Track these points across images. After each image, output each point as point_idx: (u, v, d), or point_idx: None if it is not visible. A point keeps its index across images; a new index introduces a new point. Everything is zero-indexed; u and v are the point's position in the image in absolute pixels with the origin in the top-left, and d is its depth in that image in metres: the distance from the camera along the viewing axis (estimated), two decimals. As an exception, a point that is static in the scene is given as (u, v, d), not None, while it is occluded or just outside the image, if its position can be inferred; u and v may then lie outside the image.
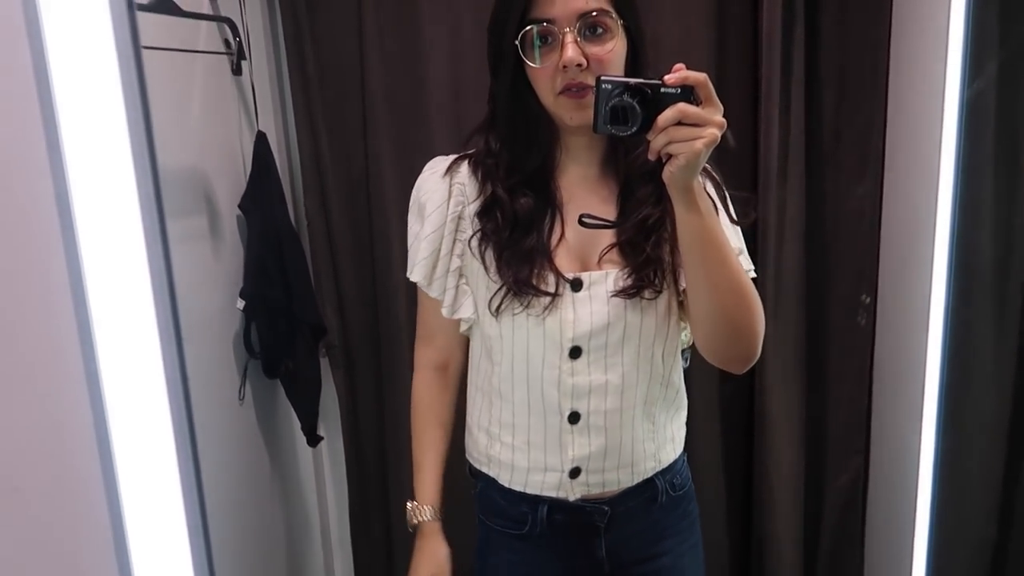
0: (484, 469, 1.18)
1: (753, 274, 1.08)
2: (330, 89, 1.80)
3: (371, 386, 1.94)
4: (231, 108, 1.64)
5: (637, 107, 0.88)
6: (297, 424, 1.82)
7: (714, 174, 1.10)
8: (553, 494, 1.13)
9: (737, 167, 1.72)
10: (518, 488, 1.14)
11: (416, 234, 1.14)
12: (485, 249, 1.09)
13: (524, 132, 1.07)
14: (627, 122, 0.89)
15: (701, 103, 0.87)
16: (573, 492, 1.12)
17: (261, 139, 1.64)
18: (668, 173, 0.89)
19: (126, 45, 0.66)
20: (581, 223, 1.01)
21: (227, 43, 1.50)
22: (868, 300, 1.78)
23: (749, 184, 1.74)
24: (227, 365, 1.63)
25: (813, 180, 1.76)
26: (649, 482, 1.15)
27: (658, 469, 1.15)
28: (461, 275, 1.13)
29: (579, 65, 0.97)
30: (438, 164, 1.15)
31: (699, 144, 0.86)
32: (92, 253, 0.69)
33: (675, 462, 1.18)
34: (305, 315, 1.71)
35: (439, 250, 1.12)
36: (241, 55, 1.52)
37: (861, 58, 1.70)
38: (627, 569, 1.17)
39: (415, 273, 1.14)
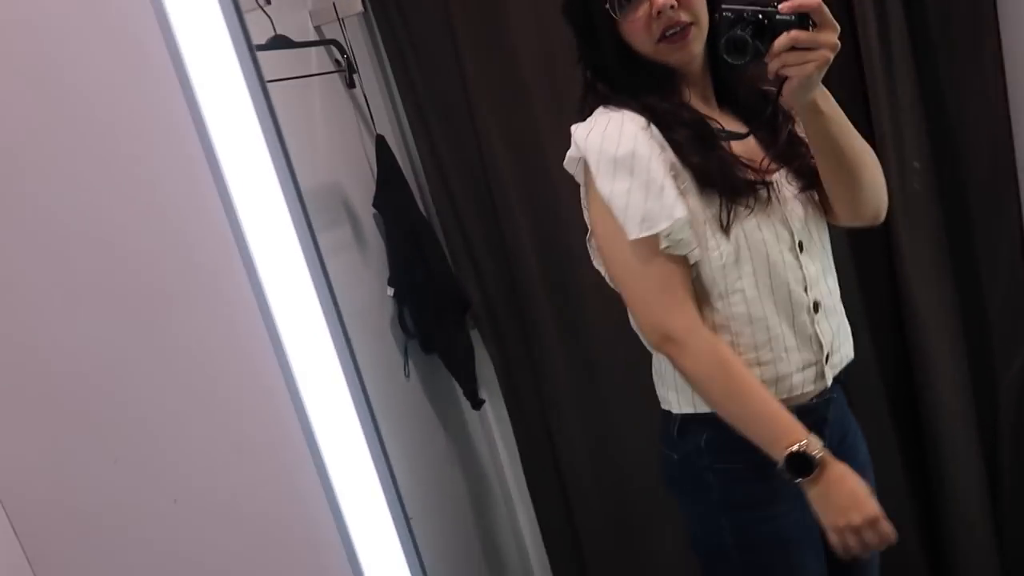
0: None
1: None
2: (433, 87, 1.92)
3: (520, 348, 2.07)
4: (350, 119, 1.81)
5: (749, 40, 0.97)
6: (461, 391, 1.99)
7: None
8: (812, 388, 1.18)
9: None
10: (783, 396, 1.14)
11: (642, 183, 1.07)
12: (695, 179, 1.11)
13: (646, 84, 1.14)
14: (743, 53, 0.99)
15: (816, 27, 0.95)
16: (826, 380, 1.20)
17: (381, 142, 1.80)
18: (787, 92, 1.00)
19: (255, 86, 0.80)
20: (729, 136, 1.13)
21: (337, 63, 1.66)
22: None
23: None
24: (390, 347, 1.82)
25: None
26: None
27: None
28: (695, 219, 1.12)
29: (672, 6, 1.05)
30: (617, 122, 1.11)
31: (810, 67, 0.96)
32: (269, 276, 0.84)
33: None
34: (448, 292, 1.87)
35: (666, 190, 1.08)
36: (352, 69, 1.67)
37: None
38: (840, 453, 1.12)
39: (677, 210, 1.07)
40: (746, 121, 1.18)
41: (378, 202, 1.82)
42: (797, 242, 1.15)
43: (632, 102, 1.13)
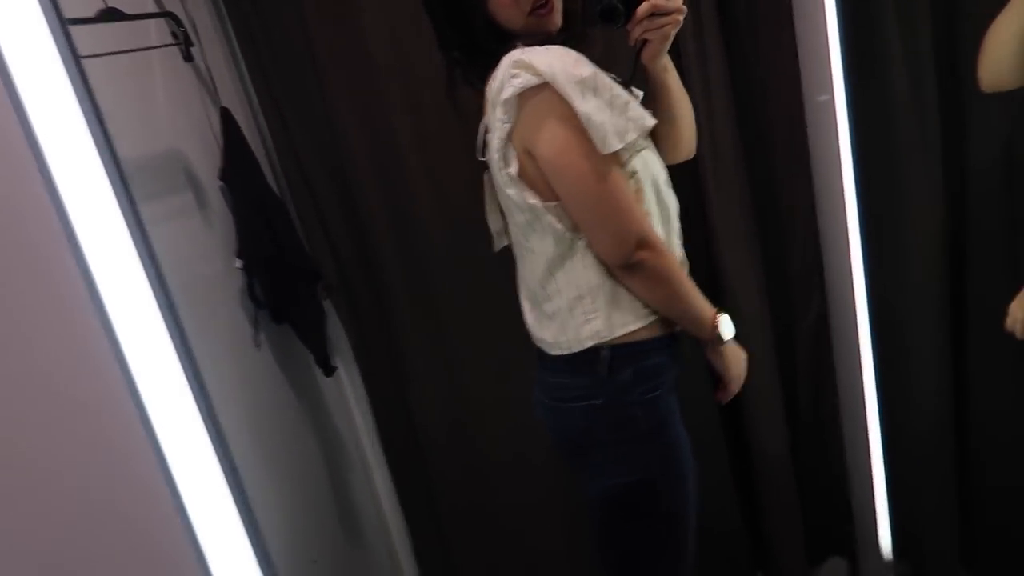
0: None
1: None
2: (281, 58, 1.94)
3: (373, 314, 2.15)
4: (193, 93, 1.81)
5: (621, 7, 1.16)
6: (314, 360, 2.05)
7: None
8: None
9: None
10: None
11: (606, 101, 1.17)
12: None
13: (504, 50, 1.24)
14: (616, 19, 1.18)
15: None
16: None
17: (226, 115, 1.82)
18: (649, 54, 1.22)
19: (68, 58, 0.83)
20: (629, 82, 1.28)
21: (174, 35, 1.66)
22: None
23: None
24: (239, 318, 1.85)
25: (735, 58, 1.88)
26: None
27: None
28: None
29: None
30: (567, 52, 1.20)
31: (668, 29, 1.18)
32: (93, 247, 0.87)
33: None
34: (297, 262, 1.91)
35: (619, 98, 1.21)
36: (188, 42, 1.68)
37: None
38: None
39: (648, 119, 1.22)
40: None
41: (225, 174, 1.83)
42: (667, 176, 1.36)
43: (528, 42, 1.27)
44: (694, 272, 1.38)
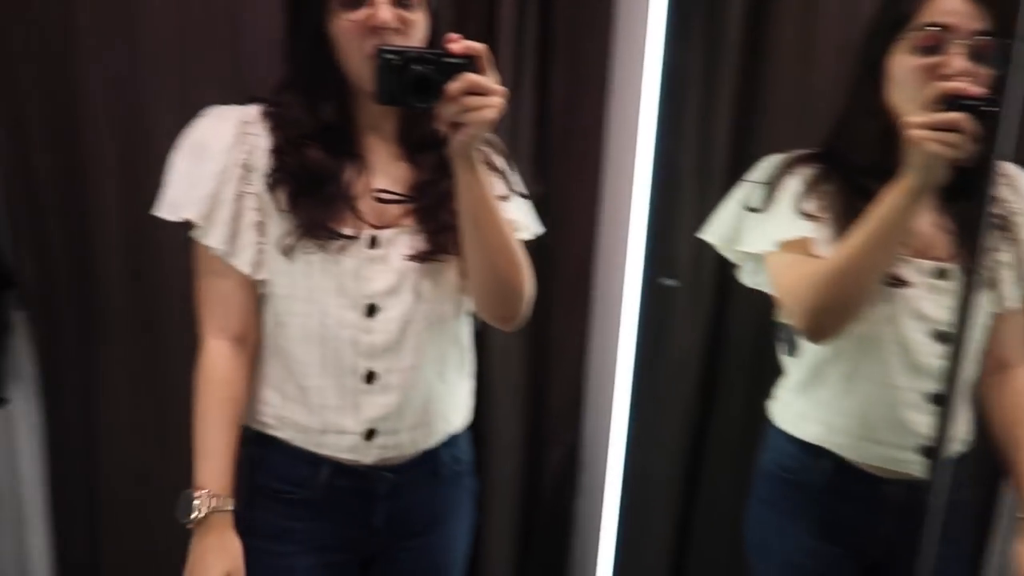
0: (274, 432, 1.13)
1: (540, 229, 1.23)
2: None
3: (74, 342, 1.78)
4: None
5: (437, 77, 0.88)
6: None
7: (501, 144, 1.16)
8: (347, 456, 1.10)
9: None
10: (311, 448, 1.10)
11: (187, 172, 1.06)
12: (276, 188, 1.05)
13: (321, 93, 1.05)
14: (428, 92, 0.89)
15: (482, 73, 0.90)
16: (368, 455, 1.10)
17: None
18: (458, 142, 0.92)
19: None
20: (378, 199, 1.05)
21: None
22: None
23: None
24: None
25: (540, 167, 1.84)
26: (433, 452, 1.17)
27: (449, 432, 1.18)
28: (261, 232, 1.07)
29: (396, 29, 0.97)
30: (224, 111, 1.11)
31: (490, 112, 0.90)
32: None
33: (461, 435, 1.21)
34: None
35: (219, 194, 1.05)
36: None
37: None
38: (401, 542, 1.18)
39: (189, 209, 1.04)
40: (415, 170, 1.12)
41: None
42: (367, 305, 1.07)
43: (287, 95, 1.07)
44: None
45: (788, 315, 1.18)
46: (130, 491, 1.86)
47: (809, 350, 1.24)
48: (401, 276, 1.07)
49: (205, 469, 1.07)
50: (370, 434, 1.10)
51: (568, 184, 1.86)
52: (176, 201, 1.06)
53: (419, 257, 1.08)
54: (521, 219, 1.17)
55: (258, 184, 1.06)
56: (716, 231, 1.31)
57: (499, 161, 1.16)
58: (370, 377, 1.08)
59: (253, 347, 1.13)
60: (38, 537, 1.93)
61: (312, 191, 1.05)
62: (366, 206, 1.07)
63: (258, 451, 1.14)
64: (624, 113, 1.76)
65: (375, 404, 1.09)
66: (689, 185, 1.73)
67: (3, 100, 1.61)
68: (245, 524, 1.11)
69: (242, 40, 1.64)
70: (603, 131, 1.81)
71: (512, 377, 1.91)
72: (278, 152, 1.06)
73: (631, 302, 1.73)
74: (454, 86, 0.88)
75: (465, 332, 1.20)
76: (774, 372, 1.38)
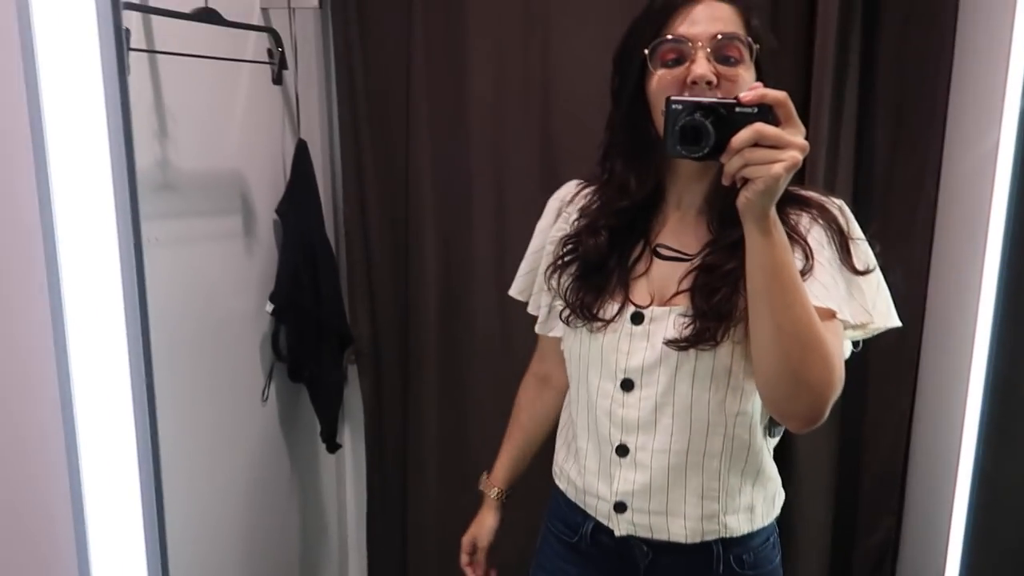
0: (556, 480, 1.22)
1: (896, 322, 1.02)
2: (375, 102, 1.83)
3: (397, 396, 1.95)
4: (274, 116, 1.68)
5: (709, 126, 0.83)
6: (320, 431, 1.84)
7: (840, 217, 1.02)
8: (603, 521, 1.12)
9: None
10: (579, 503, 1.16)
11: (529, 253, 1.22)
12: (556, 275, 1.11)
13: (637, 158, 1.04)
14: (699, 142, 0.84)
15: (780, 124, 0.82)
16: (619, 527, 1.09)
17: (302, 147, 1.68)
18: (744, 199, 0.83)
19: (110, 48, 0.68)
20: (655, 253, 1.05)
21: (270, 53, 1.54)
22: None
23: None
24: (252, 365, 1.67)
25: (861, 220, 1.68)
26: (706, 546, 1.08)
27: (722, 535, 1.08)
28: (556, 296, 1.13)
29: (709, 83, 0.94)
30: (564, 188, 1.20)
31: (778, 167, 0.79)
32: (70, 253, 0.71)
33: (750, 536, 1.10)
34: (332, 323, 1.73)
35: (536, 269, 1.19)
36: (283, 65, 1.56)
37: (919, 98, 1.62)
38: None
39: (512, 288, 1.23)
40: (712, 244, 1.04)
41: (282, 208, 1.68)
42: (623, 380, 1.05)
43: (604, 182, 1.11)
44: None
45: None
46: (432, 534, 1.97)
47: None
48: (661, 355, 1.02)
49: (496, 465, 1.33)
50: (620, 506, 1.08)
51: (893, 245, 1.68)
52: (517, 285, 1.23)
53: (678, 343, 1.00)
54: (864, 305, 1.00)
55: None
56: None
57: (832, 235, 1.00)
58: (622, 451, 1.07)
59: (557, 387, 1.27)
60: (356, 565, 2.11)
61: (585, 278, 1.07)
62: (642, 284, 1.05)
63: (552, 493, 1.23)
64: (963, 165, 1.56)
65: (625, 479, 1.07)
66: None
67: (352, 182, 1.83)
68: (536, 557, 1.26)
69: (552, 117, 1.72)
70: (936, 184, 1.62)
71: (820, 453, 1.75)
72: (567, 240, 1.11)
73: (974, 376, 1.49)
74: (738, 137, 0.80)
75: (751, 428, 1.06)
76: None
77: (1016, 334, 1.50)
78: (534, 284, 1.20)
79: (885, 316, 1.01)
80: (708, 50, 0.94)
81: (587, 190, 1.15)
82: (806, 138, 0.82)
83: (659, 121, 0.96)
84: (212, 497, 1.55)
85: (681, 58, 0.96)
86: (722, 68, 0.95)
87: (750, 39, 0.97)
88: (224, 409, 1.58)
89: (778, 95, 0.82)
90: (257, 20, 1.59)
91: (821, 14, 1.57)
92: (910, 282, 1.67)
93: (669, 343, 1.01)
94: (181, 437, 1.43)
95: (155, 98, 1.29)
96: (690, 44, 0.95)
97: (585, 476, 1.13)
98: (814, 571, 1.78)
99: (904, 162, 1.65)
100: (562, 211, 1.16)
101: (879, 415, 1.76)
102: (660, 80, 0.97)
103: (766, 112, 0.81)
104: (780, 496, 1.14)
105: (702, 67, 0.93)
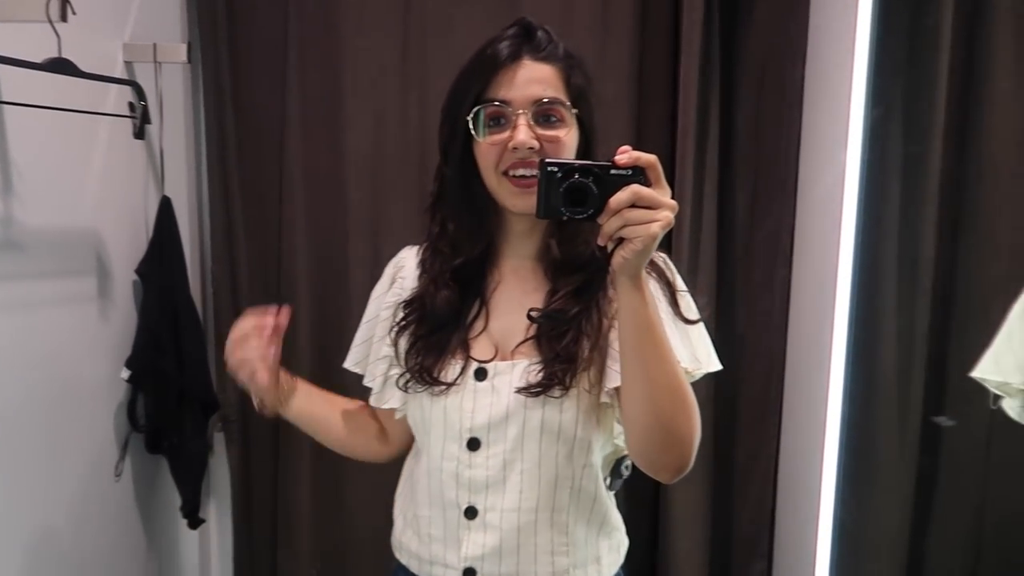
0: (397, 555, 1.14)
1: (717, 366, 1.04)
2: (248, 159, 1.78)
3: (267, 466, 1.85)
4: (136, 172, 1.60)
5: (594, 187, 0.84)
6: (180, 506, 1.71)
7: (668, 270, 1.06)
8: None
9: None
10: (426, 570, 1.09)
11: (372, 347, 1.15)
12: (398, 338, 1.08)
13: (468, 214, 1.05)
14: (584, 203, 0.84)
15: (651, 185, 0.84)
16: None
17: (166, 204, 1.60)
18: (620, 259, 0.84)
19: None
20: (529, 318, 1.00)
21: (131, 106, 1.47)
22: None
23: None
24: (105, 437, 1.54)
25: (723, 279, 1.78)
26: None
27: None
28: (392, 364, 1.09)
29: (531, 148, 0.96)
30: (401, 253, 1.17)
31: (655, 227, 0.81)
32: None
33: None
34: (197, 389, 1.63)
35: (371, 339, 1.13)
36: (145, 119, 1.49)
37: (773, 159, 1.74)
38: None
39: (347, 359, 1.15)
40: (551, 296, 1.05)
41: (143, 268, 1.59)
42: (469, 439, 1.03)
43: (436, 237, 1.08)
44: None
45: None
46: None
47: None
48: (508, 410, 1.01)
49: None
50: (469, 572, 1.05)
51: (753, 296, 1.78)
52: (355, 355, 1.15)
53: (527, 390, 1.00)
54: (694, 353, 1.02)
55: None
56: (999, 362, 1.15)
57: (663, 288, 1.04)
58: (471, 513, 1.04)
59: (388, 445, 1.19)
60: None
61: (427, 337, 1.05)
62: (483, 341, 1.05)
63: (394, 569, 1.15)
64: (814, 223, 1.68)
65: (475, 542, 1.04)
66: (892, 289, 1.60)
67: (221, 240, 1.76)
68: None
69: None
70: (791, 237, 1.73)
71: (696, 503, 1.80)
72: (408, 302, 1.09)
73: (830, 420, 1.59)
74: (616, 198, 0.82)
75: (595, 479, 1.07)
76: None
77: (863, 379, 1.61)
78: (369, 354, 1.13)
79: (708, 362, 1.04)
80: (529, 115, 0.96)
81: (415, 252, 1.13)
82: (672, 198, 0.86)
83: (489, 180, 1.00)
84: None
85: (503, 119, 0.98)
86: (543, 131, 0.97)
87: (570, 102, 0.99)
88: (70, 486, 1.44)
89: (650, 158, 0.84)
90: (120, 72, 1.52)
91: (683, 85, 1.68)
92: (771, 334, 1.77)
93: (520, 391, 1.00)
94: (17, 519, 1.30)
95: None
96: (510, 108, 0.97)
97: (431, 545, 1.07)
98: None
99: (762, 220, 1.77)
100: (396, 277, 1.13)
101: (748, 464, 1.83)
102: (483, 147, 0.99)
103: (639, 174, 0.83)
104: (624, 544, 1.14)
105: (523, 134, 0.96)
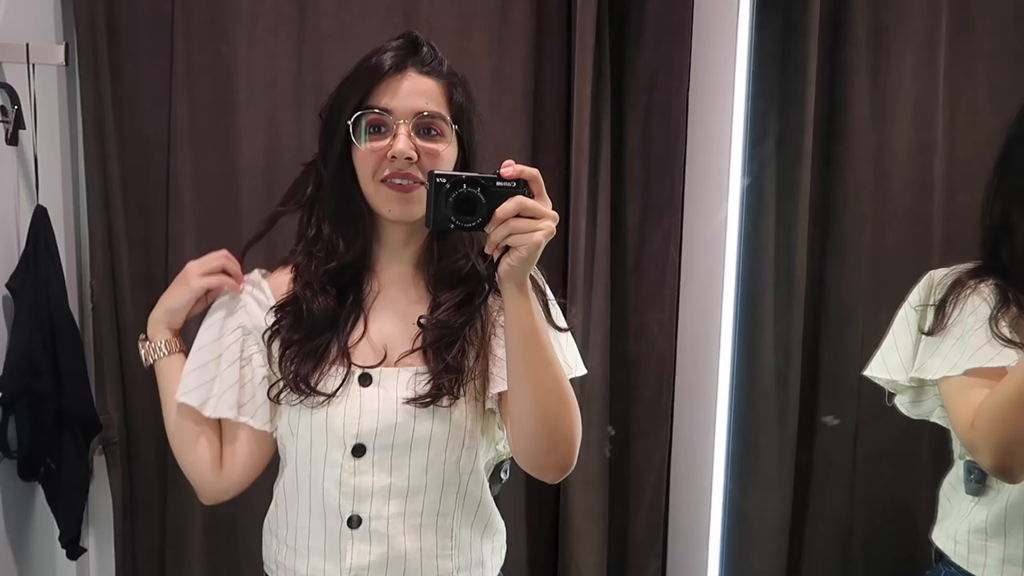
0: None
1: (583, 370, 1.10)
2: (131, 166, 1.70)
3: (154, 489, 1.76)
4: (7, 179, 1.49)
5: (482, 197, 0.88)
6: (59, 535, 1.60)
7: (538, 280, 1.10)
8: None
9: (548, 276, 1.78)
10: None
11: (193, 358, 1.08)
12: (271, 343, 1.05)
13: (344, 219, 1.05)
14: (472, 213, 0.88)
15: (534, 197, 0.89)
16: None
17: (40, 214, 1.50)
18: (507, 267, 0.89)
19: None
20: (419, 324, 1.01)
21: (3, 110, 1.38)
22: (612, 432, 1.87)
23: (558, 291, 1.79)
24: (-27, 465, 1.42)
25: (616, 288, 1.85)
26: None
27: None
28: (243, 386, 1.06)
29: (408, 158, 0.97)
30: (250, 276, 1.12)
31: (539, 235, 0.87)
32: None
33: None
34: (76, 410, 1.53)
35: (218, 359, 1.06)
36: (19, 124, 1.39)
37: (662, 176, 1.83)
38: None
39: (180, 390, 1.05)
40: (434, 306, 1.07)
41: (14, 282, 1.48)
42: (354, 445, 1.02)
43: (308, 241, 1.07)
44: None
45: (973, 450, 1.07)
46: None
47: (1003, 491, 1.12)
48: (397, 417, 1.02)
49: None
50: None
51: (645, 306, 1.87)
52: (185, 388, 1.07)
53: (417, 400, 1.01)
54: (564, 358, 1.06)
55: (262, 344, 1.07)
56: (887, 361, 1.23)
57: (537, 296, 1.04)
58: (354, 522, 1.03)
59: (224, 474, 1.10)
60: None
61: (303, 344, 1.04)
62: (364, 347, 1.05)
63: None
64: (700, 234, 1.78)
65: (360, 551, 1.03)
66: (771, 300, 1.72)
67: (101, 253, 1.67)
68: None
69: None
70: (679, 251, 1.83)
71: (594, 506, 1.85)
72: (280, 307, 1.07)
73: (719, 422, 1.68)
74: (502, 208, 0.87)
75: (480, 483, 1.10)
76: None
77: (747, 381, 1.72)
78: (214, 381, 1.06)
79: (576, 367, 1.11)
80: (410, 126, 0.99)
81: (279, 270, 1.12)
82: (562, 211, 0.91)
83: (366, 188, 1.02)
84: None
85: (384, 127, 1.00)
86: (423, 143, 1.00)
87: (450, 118, 1.02)
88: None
89: (533, 171, 0.89)
90: (-13, 71, 1.42)
91: (577, 103, 1.74)
92: (661, 340, 1.86)
93: (409, 402, 1.01)
94: None
95: None
96: (392, 117, 0.99)
97: (309, 558, 1.05)
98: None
99: (652, 232, 1.85)
100: (249, 294, 1.09)
101: (643, 466, 1.90)
102: (362, 154, 1.01)
103: (523, 186, 0.89)
104: (504, 547, 1.17)
105: (402, 143, 0.98)
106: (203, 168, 1.71)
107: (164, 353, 1.09)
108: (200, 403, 1.05)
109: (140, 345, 1.11)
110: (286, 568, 1.07)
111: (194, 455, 1.09)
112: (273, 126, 1.72)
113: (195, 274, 1.08)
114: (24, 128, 1.43)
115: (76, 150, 1.69)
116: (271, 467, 1.12)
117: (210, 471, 1.08)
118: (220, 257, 1.10)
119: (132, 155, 1.70)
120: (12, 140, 1.40)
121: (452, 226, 0.90)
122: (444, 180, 0.89)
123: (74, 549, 1.59)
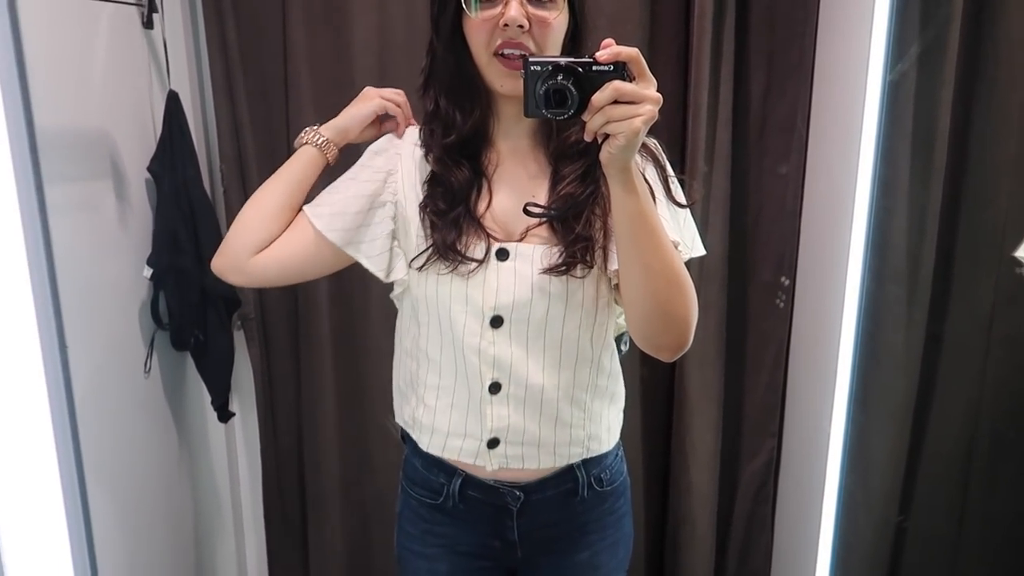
0: (409, 431, 1.17)
1: (702, 251, 1.08)
2: (250, 49, 1.72)
3: (288, 360, 1.88)
4: (141, 64, 1.54)
5: (572, 88, 0.85)
6: (208, 398, 1.75)
7: (659, 155, 1.08)
8: (471, 461, 1.11)
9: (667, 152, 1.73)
10: (436, 452, 1.12)
11: (338, 186, 1.11)
12: (424, 216, 1.07)
13: (459, 92, 1.04)
14: (564, 105, 0.85)
15: (634, 79, 0.84)
16: (491, 462, 1.10)
17: (173, 98, 1.55)
18: (607, 154, 0.86)
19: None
20: (526, 211, 1.00)
21: (136, -6, 1.41)
22: (788, 282, 1.81)
23: (677, 167, 1.74)
24: (132, 336, 1.55)
25: (738, 164, 1.78)
26: (569, 472, 1.13)
27: (585, 456, 1.13)
28: (394, 238, 1.09)
29: (520, 26, 0.95)
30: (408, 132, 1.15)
31: (638, 122, 0.82)
32: None
33: (606, 455, 1.16)
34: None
35: (365, 211, 1.08)
36: (152, 7, 1.42)
37: (789, 44, 1.72)
38: (540, 558, 1.17)
39: (320, 218, 1.08)
40: (554, 181, 1.07)
41: (154, 166, 1.56)
42: (492, 317, 1.05)
43: (429, 116, 1.07)
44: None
45: None
46: (335, 500, 1.94)
47: None
48: (529, 290, 1.04)
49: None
50: (493, 443, 1.09)
51: (767, 182, 1.79)
52: (320, 204, 1.10)
53: (552, 270, 1.03)
54: (683, 237, 1.06)
55: (400, 196, 1.08)
56: None
57: (657, 172, 1.07)
58: (495, 388, 1.07)
59: (262, 259, 1.10)
60: (255, 542, 2.04)
61: (447, 215, 1.05)
62: (496, 220, 1.06)
63: (405, 457, 1.20)
64: (830, 109, 1.67)
65: (499, 415, 1.08)
66: (907, 181, 1.62)
67: (228, 139, 1.72)
68: (398, 521, 1.21)
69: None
70: (807, 124, 1.73)
71: (709, 387, 1.86)
72: (431, 180, 1.07)
73: (847, 305, 1.62)
74: (599, 96, 0.83)
75: (610, 356, 1.14)
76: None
77: (881, 261, 1.64)
78: (359, 228, 1.08)
79: (693, 247, 1.08)
80: None
81: (413, 131, 1.13)
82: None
83: (479, 57, 1.00)
84: (94, 478, 1.44)
85: None
86: (535, 11, 0.96)
87: None
88: (102, 385, 1.46)
89: (631, 52, 0.84)
90: (115, -44, 1.44)
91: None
92: (784, 219, 1.79)
93: (546, 272, 1.03)
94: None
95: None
96: None
97: (451, 415, 1.10)
98: (706, 493, 1.90)
99: (776, 104, 1.75)
100: (392, 153, 1.11)
101: (759, 346, 1.89)
102: (474, 24, 0.98)
103: (621, 69, 0.84)
104: (622, 414, 1.21)
105: (514, 10, 0.95)
106: (317, 47, 1.71)
107: (316, 144, 1.12)
108: (343, 241, 1.07)
109: (303, 132, 1.15)
110: (423, 425, 1.13)
111: (251, 228, 1.11)
112: (384, 4, 1.70)
113: (376, 94, 1.13)
114: (157, 11, 1.46)
115: (198, 34, 1.72)
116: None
117: (248, 251, 1.09)
118: (399, 92, 1.14)
119: (250, 39, 1.71)
120: (148, 23, 1.43)
121: (548, 117, 0.87)
122: (538, 68, 0.86)
123: (224, 413, 1.74)
